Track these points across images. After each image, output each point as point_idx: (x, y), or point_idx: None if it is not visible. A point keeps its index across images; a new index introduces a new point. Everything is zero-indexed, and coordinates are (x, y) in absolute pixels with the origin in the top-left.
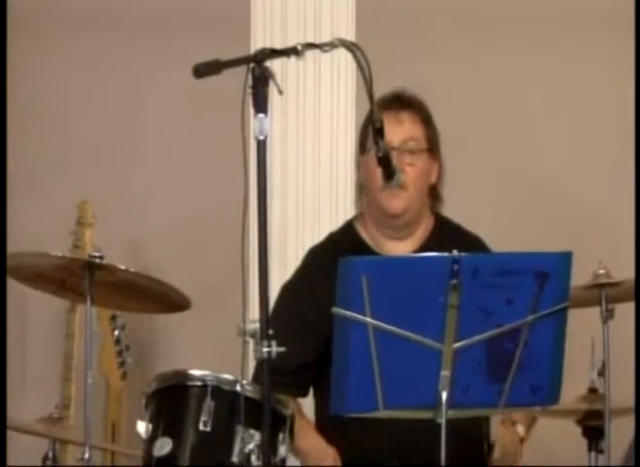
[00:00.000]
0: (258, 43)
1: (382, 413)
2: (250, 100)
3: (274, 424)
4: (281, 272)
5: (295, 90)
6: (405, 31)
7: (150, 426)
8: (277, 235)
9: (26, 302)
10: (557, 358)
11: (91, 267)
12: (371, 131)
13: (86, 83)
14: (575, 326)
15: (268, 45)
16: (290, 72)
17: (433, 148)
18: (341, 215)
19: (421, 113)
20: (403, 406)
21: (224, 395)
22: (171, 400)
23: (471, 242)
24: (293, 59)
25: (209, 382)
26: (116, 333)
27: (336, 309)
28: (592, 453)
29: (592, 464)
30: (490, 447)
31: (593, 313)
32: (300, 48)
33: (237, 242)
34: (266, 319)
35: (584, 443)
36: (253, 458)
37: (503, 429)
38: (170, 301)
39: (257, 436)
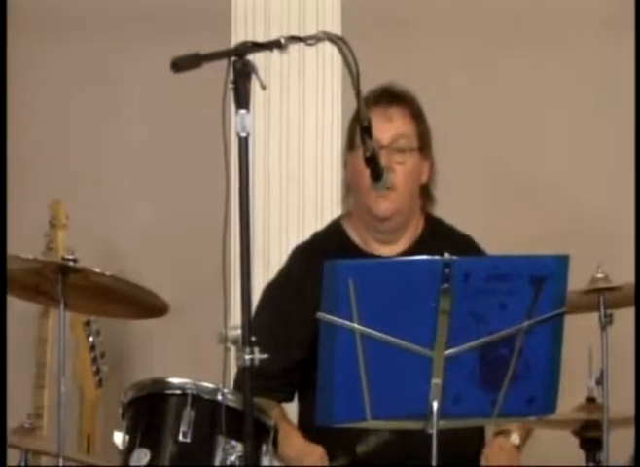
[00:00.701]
0: (239, 36)
1: (369, 424)
2: (231, 96)
3: (257, 435)
4: (264, 275)
5: (278, 85)
6: (392, 25)
7: (127, 437)
8: (260, 237)
9: None
10: (554, 366)
11: (65, 270)
12: (358, 129)
13: (58, 80)
14: (572, 332)
15: (250, 39)
16: (273, 66)
17: (424, 146)
18: (327, 216)
19: (412, 108)
20: (392, 416)
21: (204, 404)
22: (149, 409)
23: (463, 244)
24: (276, 53)
25: (189, 391)
26: (90, 339)
27: (321, 315)
28: (590, 466)
29: None
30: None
31: (591, 319)
32: (283, 41)
33: (218, 244)
34: (248, 325)
35: (581, 455)
36: None
37: (488, 449)
38: (148, 305)
39: (239, 447)
